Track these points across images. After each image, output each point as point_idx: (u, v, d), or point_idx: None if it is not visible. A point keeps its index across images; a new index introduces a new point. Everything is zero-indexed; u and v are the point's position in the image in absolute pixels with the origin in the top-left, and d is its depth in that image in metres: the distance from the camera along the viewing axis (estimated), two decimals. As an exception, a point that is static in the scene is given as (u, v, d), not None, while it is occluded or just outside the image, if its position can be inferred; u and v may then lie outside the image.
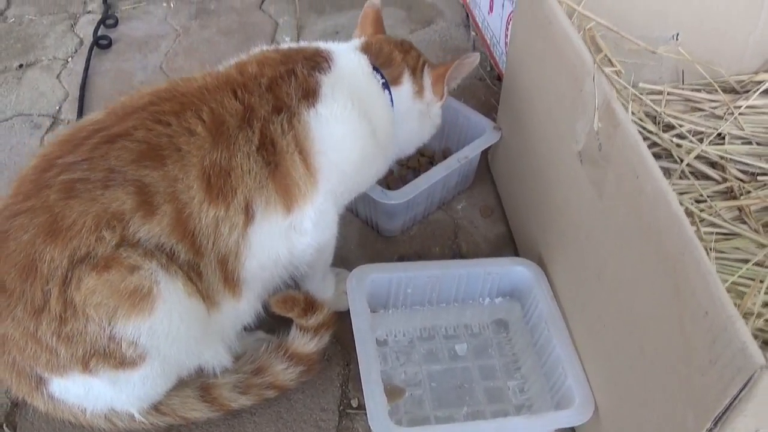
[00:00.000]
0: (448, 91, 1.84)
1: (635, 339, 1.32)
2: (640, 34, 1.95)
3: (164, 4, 3.05)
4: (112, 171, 1.29)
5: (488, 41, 2.67)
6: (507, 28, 2.40)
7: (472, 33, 2.89)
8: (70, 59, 2.71)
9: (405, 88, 1.75)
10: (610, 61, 1.93)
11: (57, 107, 2.48)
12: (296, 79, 1.52)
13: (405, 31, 2.91)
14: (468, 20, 2.96)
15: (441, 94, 1.81)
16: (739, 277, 1.58)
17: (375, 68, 1.70)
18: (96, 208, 1.27)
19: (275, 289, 1.61)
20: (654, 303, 1.23)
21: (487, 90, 2.61)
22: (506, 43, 2.42)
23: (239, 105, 1.43)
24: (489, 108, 2.48)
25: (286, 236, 1.51)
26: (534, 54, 1.79)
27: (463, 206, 2.18)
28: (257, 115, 1.44)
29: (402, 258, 2.00)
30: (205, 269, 1.39)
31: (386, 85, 1.70)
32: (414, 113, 1.79)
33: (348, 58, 1.68)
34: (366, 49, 1.74)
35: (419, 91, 1.77)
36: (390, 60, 1.73)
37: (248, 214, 1.41)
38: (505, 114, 2.08)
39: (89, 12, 3.00)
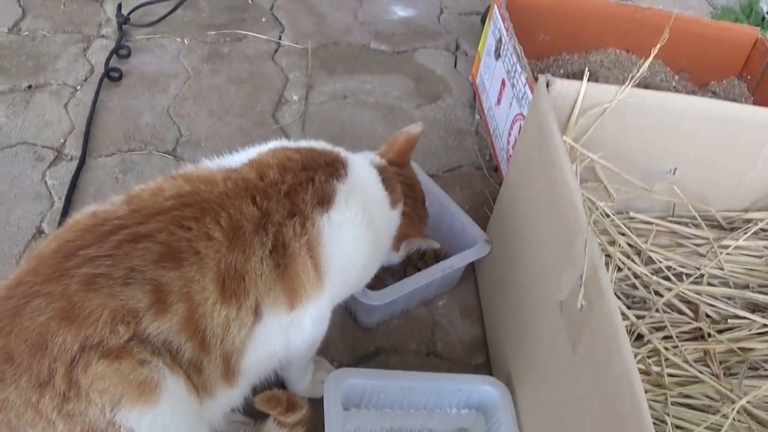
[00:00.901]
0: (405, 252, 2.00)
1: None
2: (641, 165, 2.13)
3: (178, 40, 3.18)
4: (133, 270, 1.41)
5: (491, 130, 2.82)
6: (511, 128, 2.54)
7: (477, 116, 3.04)
8: (79, 87, 2.83)
9: (394, 216, 1.90)
10: (607, 190, 2.10)
11: (62, 140, 2.59)
12: (313, 187, 1.65)
13: (412, 105, 3.05)
14: (474, 102, 3.11)
15: (396, 250, 1.96)
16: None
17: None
18: (114, 303, 1.38)
19: (267, 375, 1.74)
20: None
21: (482, 180, 2.75)
22: (508, 141, 2.57)
23: (257, 211, 1.55)
24: (482, 200, 2.63)
25: (285, 332, 1.64)
26: (533, 183, 1.93)
27: (444, 303, 2.31)
28: (272, 220, 1.56)
29: (378, 350, 2.14)
30: (208, 365, 1.50)
31: None
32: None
33: (363, 169, 1.82)
34: (379, 169, 1.89)
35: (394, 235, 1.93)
36: (393, 187, 1.88)
37: (257, 315, 1.53)
38: (496, 225, 2.23)
39: (103, 36, 3.12)
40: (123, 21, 3.16)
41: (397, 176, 1.94)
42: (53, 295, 1.39)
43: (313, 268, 1.61)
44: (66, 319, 1.37)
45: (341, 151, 1.84)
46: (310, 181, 1.66)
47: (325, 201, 1.65)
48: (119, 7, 3.22)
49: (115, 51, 3.00)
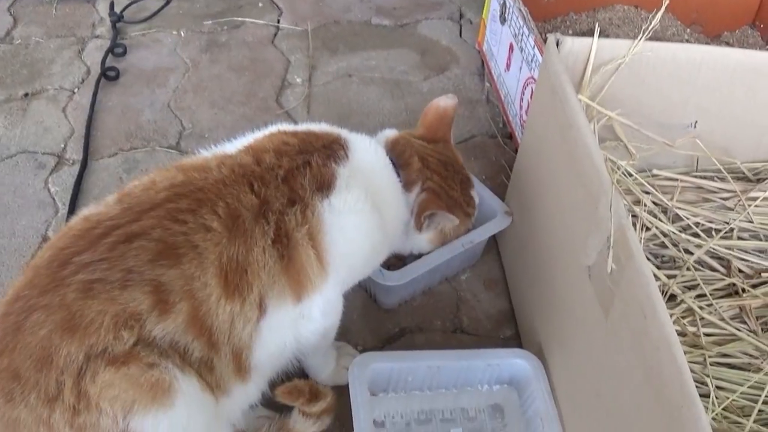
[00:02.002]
0: (431, 230, 1.91)
1: (631, 466, 1.41)
2: (660, 120, 2.07)
3: (174, 33, 3.13)
4: (129, 271, 1.35)
5: (502, 97, 2.75)
6: (523, 92, 2.48)
7: (487, 84, 2.97)
8: (76, 90, 2.78)
9: (411, 197, 1.82)
10: (627, 148, 2.03)
11: (62, 145, 2.54)
12: (311, 171, 1.59)
13: (419, 78, 2.99)
14: (483, 69, 3.05)
15: (418, 227, 1.86)
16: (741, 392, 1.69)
17: (394, 165, 1.79)
18: (114, 308, 1.33)
19: (282, 368, 1.68)
20: (651, 441, 1.32)
21: (497, 149, 2.69)
22: (521, 105, 2.51)
23: (255, 199, 1.49)
24: (498, 169, 2.58)
25: (294, 325, 1.58)
26: (550, 147, 1.86)
27: (468, 277, 2.26)
28: (273, 209, 1.50)
29: (403, 331, 2.09)
30: (219, 363, 1.45)
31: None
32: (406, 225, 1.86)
33: (366, 150, 1.75)
34: (392, 144, 1.83)
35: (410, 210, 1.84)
36: (408, 164, 1.81)
37: (261, 309, 1.48)
38: (515, 193, 2.16)
39: (97, 36, 3.07)
40: (116, 19, 3.12)
41: (411, 148, 1.86)
42: (51, 307, 1.34)
43: (315, 258, 1.55)
44: (68, 329, 1.32)
45: (342, 132, 1.77)
46: (307, 165, 1.60)
47: (324, 186, 1.59)
48: (111, 5, 3.17)
49: (110, 50, 2.95)
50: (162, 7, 3.23)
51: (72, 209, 2.29)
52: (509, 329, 2.14)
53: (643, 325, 1.32)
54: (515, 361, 1.87)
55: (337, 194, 1.60)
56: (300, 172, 1.58)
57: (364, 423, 1.65)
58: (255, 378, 1.57)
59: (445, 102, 1.95)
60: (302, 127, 1.76)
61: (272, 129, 1.74)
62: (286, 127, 1.75)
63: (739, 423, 1.63)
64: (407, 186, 1.81)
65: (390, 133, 1.90)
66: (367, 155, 1.75)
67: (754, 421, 1.62)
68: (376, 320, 2.11)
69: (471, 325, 2.14)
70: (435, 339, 2.09)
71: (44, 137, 2.58)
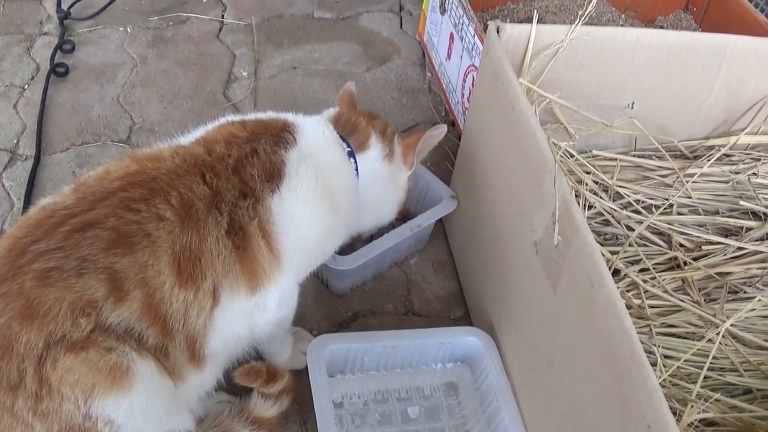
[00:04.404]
0: (418, 161, 1.94)
1: (581, 431, 1.45)
2: (597, 102, 2.10)
3: (121, 29, 3.10)
4: (84, 260, 1.36)
5: (444, 86, 2.78)
6: (464, 80, 2.51)
7: (428, 74, 3.00)
8: (26, 87, 2.76)
9: (372, 153, 1.84)
10: (567, 130, 2.07)
11: (15, 141, 2.53)
12: (259, 159, 1.59)
13: (362, 69, 3.02)
14: (424, 60, 3.07)
15: (411, 164, 1.92)
16: (685, 359, 1.73)
17: (342, 138, 1.81)
18: (71, 296, 1.34)
19: (237, 356, 1.70)
20: (601, 404, 1.35)
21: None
22: (462, 93, 2.54)
23: (207, 189, 1.50)
24: (442, 155, 2.59)
25: (249, 315, 1.60)
26: (494, 130, 1.90)
27: (416, 261, 2.29)
28: (225, 200, 1.51)
29: (356, 315, 2.11)
30: (173, 350, 1.46)
31: (352, 154, 1.81)
32: (380, 178, 1.88)
33: (314, 131, 1.76)
34: (335, 119, 1.85)
35: (389, 154, 1.87)
36: (355, 127, 1.83)
37: (215, 297, 1.49)
38: (460, 178, 2.19)
39: (45, 33, 3.04)
40: (64, 16, 3.08)
41: (353, 112, 1.91)
42: (10, 295, 1.35)
43: (267, 248, 1.57)
44: (26, 317, 1.33)
45: (289, 117, 1.79)
46: (255, 153, 1.61)
47: (274, 175, 1.60)
48: (59, 2, 3.13)
49: (59, 47, 2.93)
50: (108, 4, 3.20)
51: (27, 204, 2.27)
52: (459, 310, 2.17)
53: (590, 293, 1.36)
54: (467, 339, 1.90)
55: (287, 182, 1.61)
56: (249, 162, 1.59)
57: (324, 404, 1.67)
58: (210, 366, 1.58)
59: (348, 86, 2.03)
60: (251, 116, 1.77)
61: (223, 120, 1.74)
62: (236, 118, 1.76)
63: (687, 389, 1.66)
64: (360, 148, 1.83)
65: (332, 110, 1.92)
66: (316, 136, 1.76)
67: (701, 387, 1.66)
68: (329, 305, 2.13)
69: (422, 307, 2.17)
70: (387, 322, 2.12)
71: (-4, 133, 2.57)
